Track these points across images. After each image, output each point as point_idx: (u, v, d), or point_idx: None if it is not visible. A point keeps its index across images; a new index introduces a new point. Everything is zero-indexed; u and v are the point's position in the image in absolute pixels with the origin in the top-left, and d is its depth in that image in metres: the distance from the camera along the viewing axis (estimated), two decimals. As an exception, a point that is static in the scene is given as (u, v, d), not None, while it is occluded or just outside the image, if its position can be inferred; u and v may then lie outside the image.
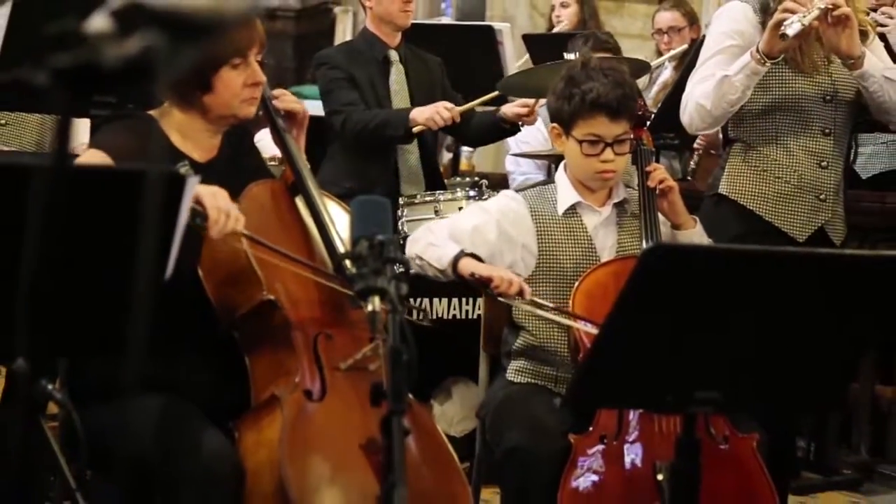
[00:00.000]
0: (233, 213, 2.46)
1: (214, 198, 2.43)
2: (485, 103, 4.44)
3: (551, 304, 2.84)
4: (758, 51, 3.22)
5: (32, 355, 1.27)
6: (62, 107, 1.13)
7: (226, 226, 2.43)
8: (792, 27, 3.14)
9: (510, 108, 4.32)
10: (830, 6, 3.18)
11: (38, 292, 1.17)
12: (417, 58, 4.54)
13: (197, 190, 2.42)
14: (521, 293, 2.78)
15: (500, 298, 2.82)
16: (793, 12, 3.15)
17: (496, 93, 4.31)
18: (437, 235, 2.92)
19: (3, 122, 3.80)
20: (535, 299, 2.82)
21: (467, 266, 2.81)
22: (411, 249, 2.91)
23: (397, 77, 4.47)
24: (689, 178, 4.97)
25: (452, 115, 4.16)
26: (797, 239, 3.39)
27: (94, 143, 2.64)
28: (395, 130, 4.24)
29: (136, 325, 1.15)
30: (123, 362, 1.22)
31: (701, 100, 3.34)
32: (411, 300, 3.94)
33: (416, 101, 4.39)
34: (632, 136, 2.96)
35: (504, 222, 2.95)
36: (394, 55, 4.47)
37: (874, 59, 3.34)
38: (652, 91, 5.33)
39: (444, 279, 2.89)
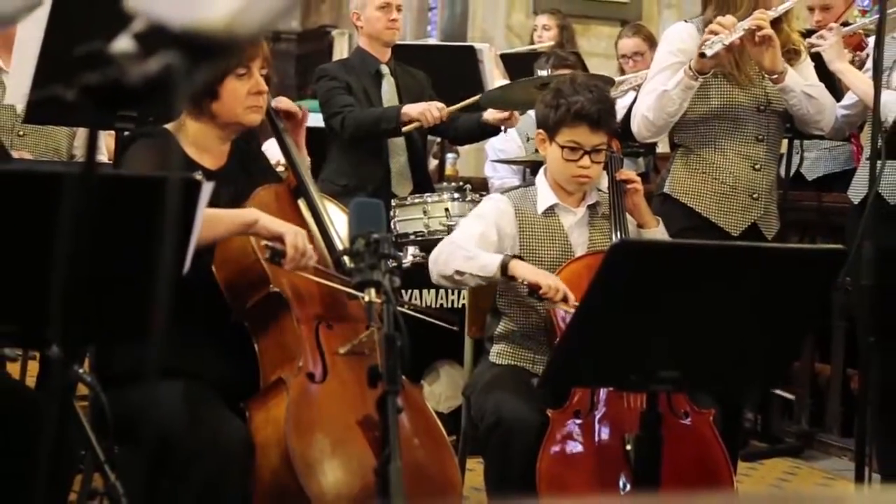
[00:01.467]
0: (308, 251, 2.47)
1: (295, 237, 2.45)
2: (467, 106, 4.43)
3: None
4: (690, 68, 3.25)
5: (65, 343, 1.26)
6: (90, 120, 1.12)
7: (299, 263, 2.46)
8: (711, 48, 3.18)
9: (492, 115, 4.35)
10: (755, 27, 3.21)
11: (70, 286, 1.17)
12: (405, 71, 4.57)
13: (280, 228, 2.45)
14: (565, 300, 2.73)
15: (543, 302, 2.79)
16: (716, 34, 3.19)
17: (477, 97, 4.32)
18: (468, 248, 2.85)
19: (21, 133, 3.77)
20: (576, 304, 2.78)
21: (518, 270, 2.76)
22: (448, 266, 2.83)
23: (388, 87, 4.49)
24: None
25: (442, 114, 4.18)
26: (732, 233, 3.38)
27: (124, 164, 2.63)
28: (388, 124, 4.25)
29: (157, 315, 1.14)
30: (145, 349, 1.21)
31: (645, 112, 3.36)
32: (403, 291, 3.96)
33: None
34: (608, 147, 2.96)
35: (498, 221, 2.95)
36: (384, 69, 4.49)
37: (796, 75, 3.35)
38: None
39: (483, 283, 2.85)
